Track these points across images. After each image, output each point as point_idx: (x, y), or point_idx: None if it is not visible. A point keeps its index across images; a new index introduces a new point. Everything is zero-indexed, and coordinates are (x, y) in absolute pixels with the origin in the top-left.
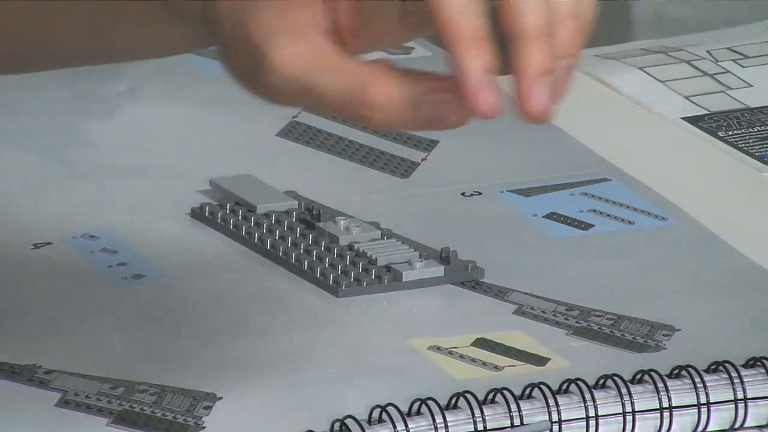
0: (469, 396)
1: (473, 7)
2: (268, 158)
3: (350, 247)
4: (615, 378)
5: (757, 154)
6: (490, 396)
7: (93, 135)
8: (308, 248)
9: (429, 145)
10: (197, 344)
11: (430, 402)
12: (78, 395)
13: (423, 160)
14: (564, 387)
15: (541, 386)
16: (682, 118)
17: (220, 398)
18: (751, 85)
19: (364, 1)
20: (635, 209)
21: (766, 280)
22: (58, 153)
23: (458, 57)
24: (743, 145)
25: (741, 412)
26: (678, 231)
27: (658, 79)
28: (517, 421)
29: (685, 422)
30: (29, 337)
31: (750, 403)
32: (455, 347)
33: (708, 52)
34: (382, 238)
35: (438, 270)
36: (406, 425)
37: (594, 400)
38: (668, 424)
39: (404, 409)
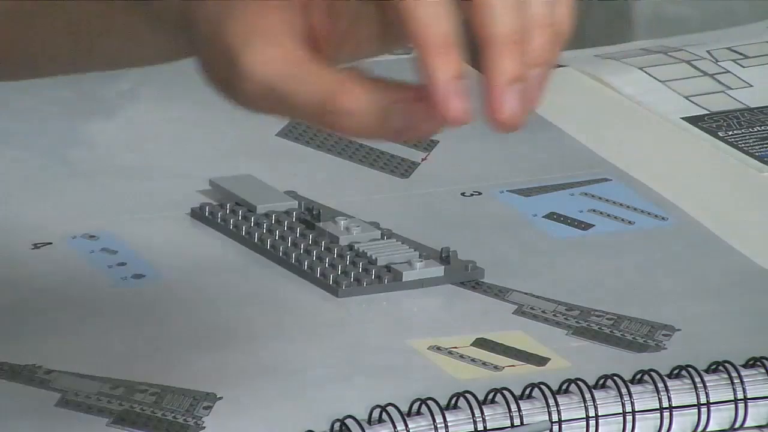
0: (469, 396)
1: (443, 13)
2: (268, 158)
3: (350, 247)
4: (615, 378)
5: (757, 154)
6: (490, 396)
7: (93, 135)
8: (308, 248)
9: (429, 145)
10: (197, 344)
11: (430, 402)
12: (78, 395)
13: (423, 160)
14: (564, 387)
15: (541, 386)
16: (682, 118)
17: (220, 398)
18: (751, 85)
19: (343, 9)
20: (635, 209)
21: (766, 280)
22: (58, 153)
23: (428, 65)
24: (743, 145)
25: (741, 412)
26: (678, 231)
27: (658, 79)
28: (517, 421)
29: (685, 422)
30: (29, 337)
31: (750, 403)
32: (455, 347)
33: (708, 52)
34: (382, 238)
35: (438, 270)
36: (406, 425)
37: (594, 400)
38: (668, 424)
39: (404, 409)
